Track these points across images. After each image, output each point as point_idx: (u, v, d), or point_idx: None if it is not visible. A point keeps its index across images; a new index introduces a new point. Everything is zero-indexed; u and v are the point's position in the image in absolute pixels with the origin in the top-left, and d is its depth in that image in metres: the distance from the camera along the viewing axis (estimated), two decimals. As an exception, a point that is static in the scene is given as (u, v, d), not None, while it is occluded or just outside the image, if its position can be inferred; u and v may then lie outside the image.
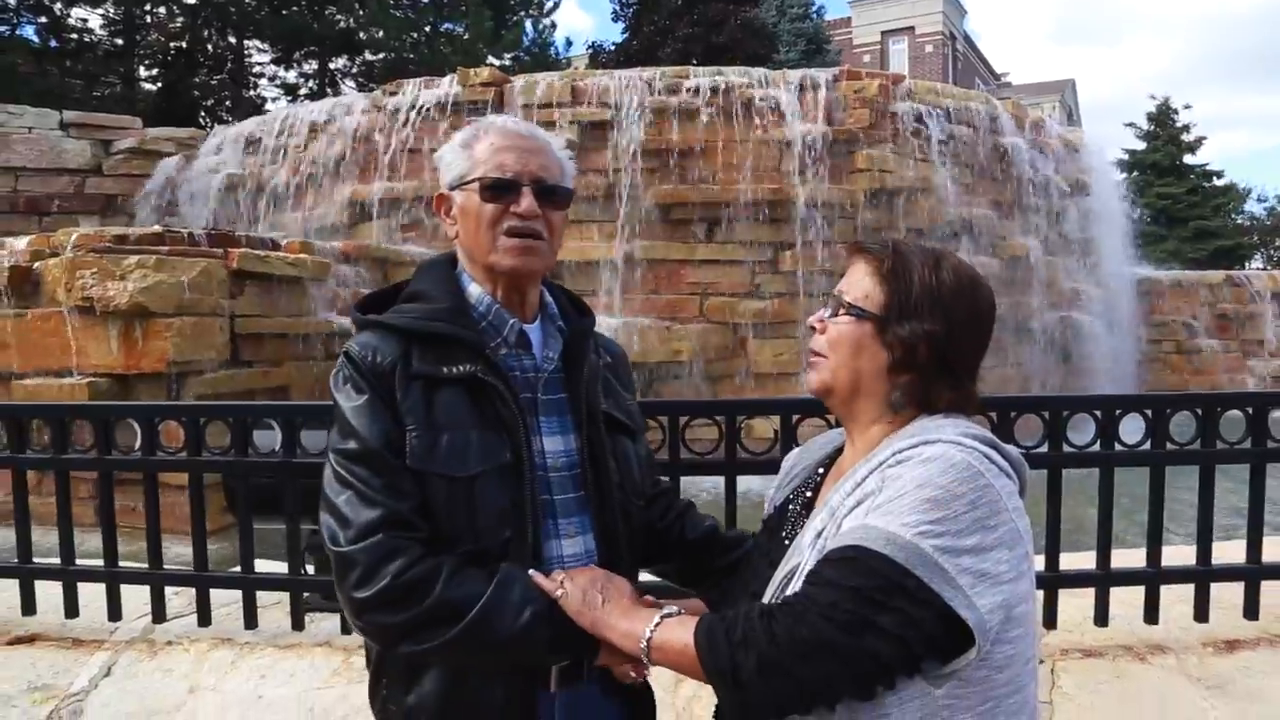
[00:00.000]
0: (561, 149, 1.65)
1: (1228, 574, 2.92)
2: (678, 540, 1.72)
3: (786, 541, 1.42)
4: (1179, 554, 3.05)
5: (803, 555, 1.30)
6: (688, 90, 11.14)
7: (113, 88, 23.67)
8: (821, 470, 1.53)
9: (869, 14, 44.05)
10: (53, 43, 22.90)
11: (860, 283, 1.38)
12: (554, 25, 28.67)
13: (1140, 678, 2.65)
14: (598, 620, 1.39)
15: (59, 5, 22.64)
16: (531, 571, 1.45)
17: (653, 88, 11.22)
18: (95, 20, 23.65)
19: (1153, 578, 2.89)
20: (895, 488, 1.23)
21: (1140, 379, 14.54)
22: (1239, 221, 41.78)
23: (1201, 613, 2.92)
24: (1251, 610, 2.93)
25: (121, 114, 16.07)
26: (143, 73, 25.03)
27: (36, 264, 7.56)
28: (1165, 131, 35.71)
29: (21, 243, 8.06)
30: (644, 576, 1.78)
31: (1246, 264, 39.40)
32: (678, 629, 1.31)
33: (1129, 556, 3.02)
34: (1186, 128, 35.84)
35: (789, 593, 1.26)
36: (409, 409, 1.45)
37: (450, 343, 1.50)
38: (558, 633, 1.40)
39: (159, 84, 24.51)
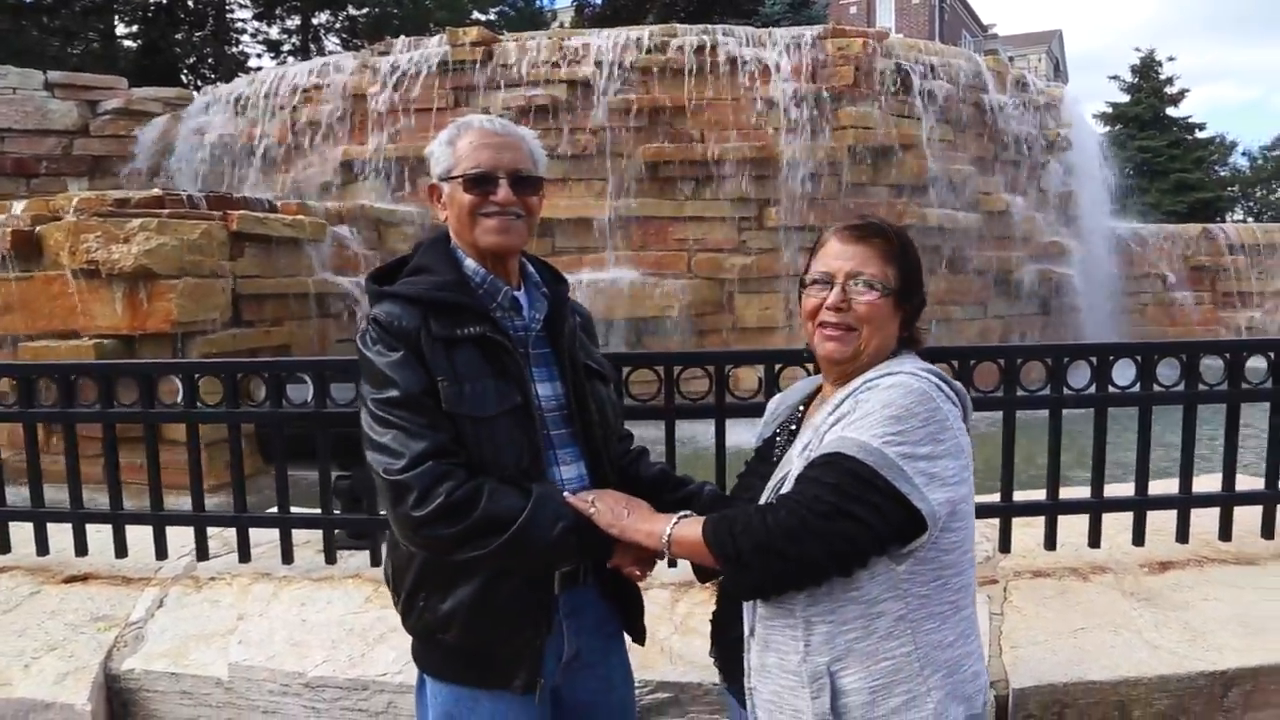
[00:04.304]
0: (534, 139, 1.95)
1: (1161, 503, 3.27)
2: (634, 476, 2.03)
3: (776, 460, 1.75)
4: (1122, 489, 3.40)
5: (792, 464, 1.64)
6: (675, 49, 11.28)
7: (91, 44, 23.43)
8: (802, 408, 1.86)
9: (855, -35, 43.66)
10: (29, -1, 22.63)
11: (873, 263, 1.67)
12: (538, -23, 28.41)
13: (1081, 593, 3.00)
14: (626, 528, 1.73)
15: (34, -41, 22.38)
16: (565, 493, 1.77)
17: (640, 46, 11.36)
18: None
19: (1096, 506, 3.25)
20: (865, 408, 1.57)
21: (1118, 330, 14.91)
22: (1221, 174, 42.13)
23: (1139, 537, 3.27)
24: (1183, 535, 3.29)
25: (101, 72, 15.98)
26: (122, 30, 24.78)
27: (38, 228, 7.74)
28: (1148, 84, 35.81)
29: (19, 206, 8.21)
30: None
31: (1227, 217, 39.84)
32: (692, 526, 1.66)
33: (1077, 491, 3.36)
34: (1169, 80, 35.96)
35: (781, 493, 1.60)
36: (435, 364, 1.74)
37: (460, 309, 1.80)
38: (583, 540, 1.74)
39: (139, 41, 24.27)
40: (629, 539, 1.73)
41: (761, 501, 1.66)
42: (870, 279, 1.66)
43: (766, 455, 1.85)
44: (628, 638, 2.05)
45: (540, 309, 1.92)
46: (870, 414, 1.55)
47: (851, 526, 1.50)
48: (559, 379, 1.90)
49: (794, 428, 1.83)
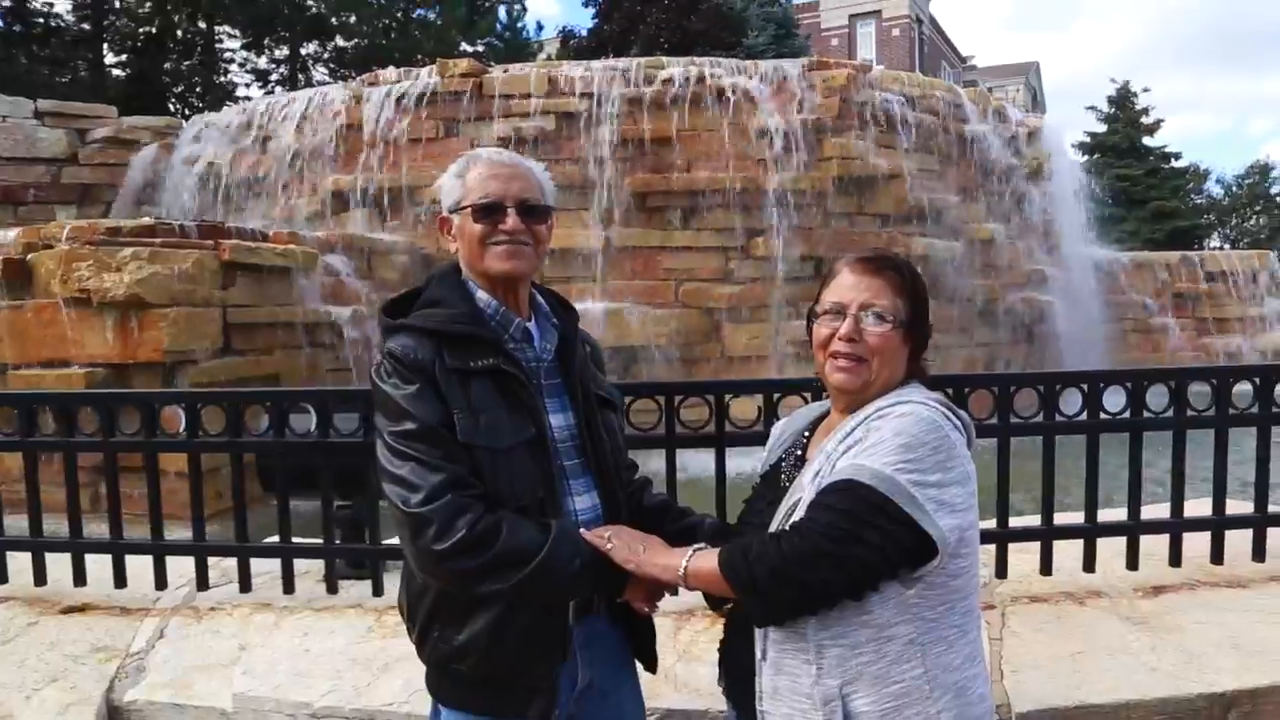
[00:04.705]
0: (542, 171, 1.99)
1: (1153, 527, 3.33)
2: (638, 505, 2.06)
3: (786, 485, 1.78)
4: (1115, 514, 3.45)
5: (803, 490, 1.67)
6: (662, 80, 11.43)
7: (80, 74, 23.49)
8: (807, 434, 1.90)
9: (836, -3, 44.38)
10: (17, 27, 22.67)
11: (886, 295, 1.72)
12: (525, 10, 28.74)
13: (1078, 617, 3.05)
14: (642, 562, 1.75)
15: (24, -10, 22.46)
16: (581, 529, 1.80)
17: (628, 78, 11.51)
18: (62, 5, 23.50)
19: (1090, 531, 3.30)
20: (878, 436, 1.61)
21: (1101, 357, 15.06)
22: (1198, 202, 42.81)
23: (1132, 562, 3.32)
24: (1175, 559, 3.35)
25: (90, 101, 16.04)
26: (111, 59, 24.85)
27: (30, 256, 7.73)
28: (1125, 114, 36.44)
29: (11, 234, 8.20)
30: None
31: (1205, 244, 40.43)
32: (707, 558, 1.69)
33: (1071, 517, 3.42)
34: (1145, 110, 36.61)
35: (794, 519, 1.63)
36: (451, 396, 1.76)
37: (474, 341, 1.82)
38: (599, 575, 1.76)
39: (128, 70, 24.34)
40: (645, 574, 1.75)
41: (773, 527, 1.69)
42: (882, 311, 1.71)
43: (773, 480, 1.89)
44: (638, 665, 2.08)
45: (551, 340, 1.95)
46: (883, 442, 1.60)
47: (865, 552, 1.54)
48: (571, 409, 1.93)
49: (799, 453, 1.86)
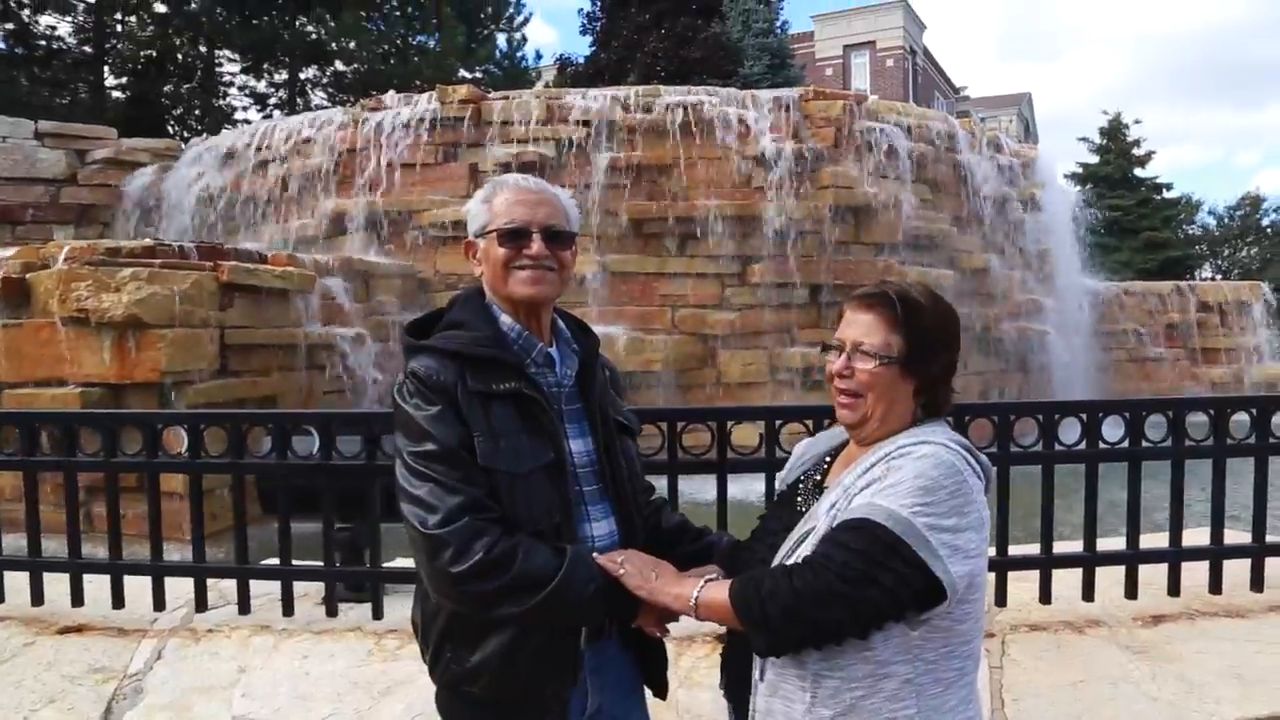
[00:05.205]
0: (568, 198, 2.02)
1: (1152, 556, 3.34)
2: (655, 527, 2.07)
3: (802, 510, 1.80)
4: (1114, 543, 3.47)
5: (817, 520, 1.67)
6: (660, 108, 11.54)
7: (80, 96, 23.59)
8: (829, 458, 1.90)
9: (831, 29, 44.84)
10: (19, 50, 22.79)
11: (876, 332, 1.71)
12: (524, 39, 29.01)
13: (1077, 646, 3.06)
14: (654, 589, 1.75)
15: (26, 12, 22.58)
16: (595, 554, 1.80)
17: (626, 106, 11.62)
18: (64, 28, 23.62)
19: (1089, 560, 3.31)
20: (897, 476, 1.61)
21: (1094, 386, 15.14)
22: (1190, 232, 43.20)
23: (1131, 591, 3.34)
24: (1174, 588, 3.36)
25: (89, 122, 16.12)
26: (111, 81, 24.95)
27: (29, 275, 7.74)
28: (1117, 145, 36.78)
29: (9, 253, 8.22)
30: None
31: (1197, 274, 40.74)
32: (719, 589, 1.69)
33: (1070, 546, 3.43)
34: (1137, 142, 36.96)
35: (804, 549, 1.64)
36: (472, 419, 1.77)
37: (496, 364, 1.83)
38: (613, 601, 1.77)
39: (128, 93, 24.44)
40: (657, 601, 1.75)
41: (782, 551, 1.70)
42: (870, 348, 1.71)
43: (789, 501, 1.90)
44: (648, 691, 2.07)
45: (571, 365, 1.97)
46: (902, 483, 1.60)
47: (878, 594, 1.55)
48: (590, 435, 1.93)
49: (819, 478, 1.87)
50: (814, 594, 1.56)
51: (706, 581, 1.73)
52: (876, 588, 1.54)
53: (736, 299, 11.30)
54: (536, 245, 1.88)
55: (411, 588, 2.05)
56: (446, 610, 1.81)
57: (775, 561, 1.71)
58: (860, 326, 1.74)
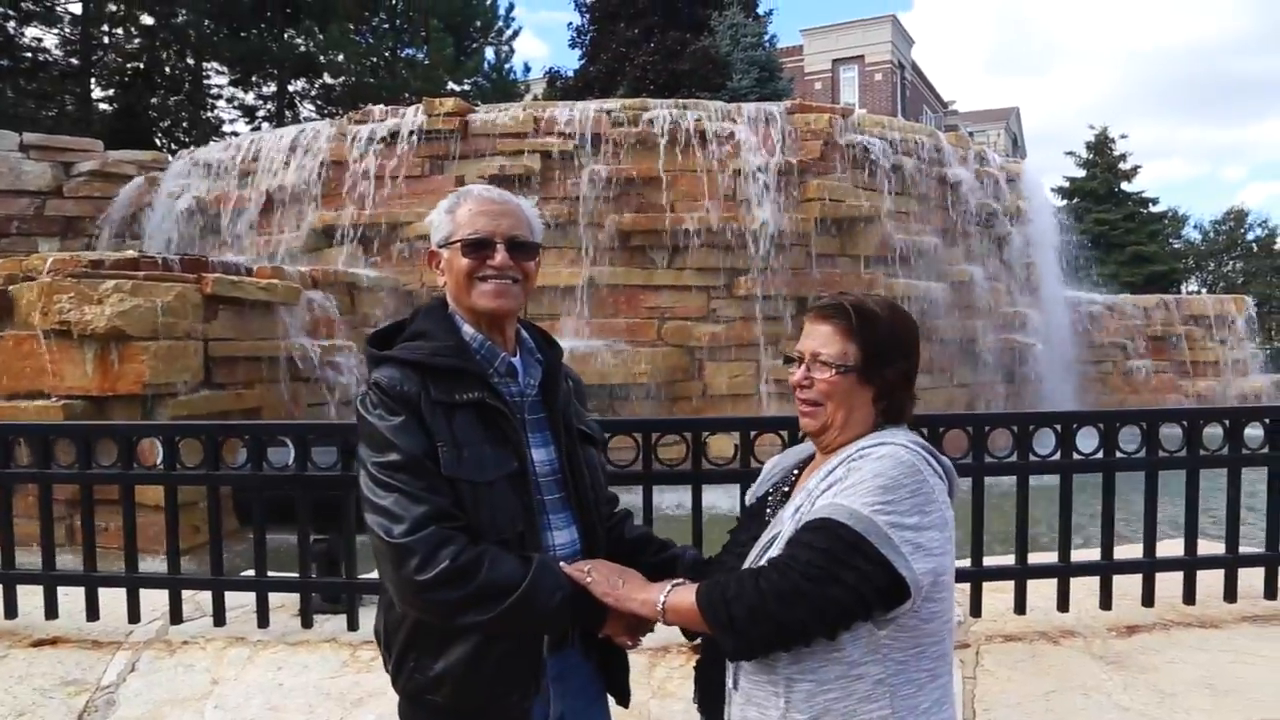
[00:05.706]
0: (531, 208, 2.02)
1: (1127, 567, 3.36)
2: (618, 538, 2.07)
3: (768, 519, 1.81)
4: (1089, 553, 3.49)
5: (783, 525, 1.69)
6: (647, 121, 11.59)
7: (67, 108, 23.53)
8: (796, 471, 1.92)
9: (820, 43, 45.07)
10: (5, 61, 22.74)
11: (833, 342, 1.75)
12: (512, 51, 29.05)
13: (1052, 656, 3.07)
14: (621, 596, 1.76)
15: (12, 24, 22.54)
16: (561, 563, 1.81)
17: (613, 119, 11.65)
18: (50, 39, 23.57)
19: (1064, 571, 3.33)
20: (857, 476, 1.63)
21: (1080, 398, 15.21)
22: (1176, 246, 43.53)
23: (1106, 602, 3.35)
24: (1148, 599, 3.38)
25: (76, 134, 16.08)
26: (98, 93, 24.89)
27: (11, 288, 7.71)
28: (1103, 160, 37.11)
29: (-8, 266, 8.18)
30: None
31: (1183, 288, 41.04)
32: (685, 593, 1.70)
33: (1045, 556, 3.44)
34: (1123, 156, 37.31)
35: (770, 554, 1.65)
36: (436, 428, 1.78)
37: (459, 374, 1.84)
38: (579, 609, 1.77)
39: (115, 105, 24.38)
40: (624, 608, 1.76)
41: (750, 559, 1.71)
42: (827, 358, 1.75)
43: (758, 514, 1.91)
44: (611, 700, 2.07)
45: (535, 375, 1.97)
46: (862, 482, 1.62)
47: (841, 592, 1.56)
48: (553, 444, 1.94)
49: (786, 490, 1.89)
50: (778, 594, 1.57)
51: (673, 586, 1.74)
52: (840, 586, 1.55)
53: (723, 311, 11.33)
54: (500, 256, 1.89)
55: (387, 599, 2.04)
56: (410, 620, 1.81)
57: (743, 567, 1.71)
58: (818, 337, 1.77)
